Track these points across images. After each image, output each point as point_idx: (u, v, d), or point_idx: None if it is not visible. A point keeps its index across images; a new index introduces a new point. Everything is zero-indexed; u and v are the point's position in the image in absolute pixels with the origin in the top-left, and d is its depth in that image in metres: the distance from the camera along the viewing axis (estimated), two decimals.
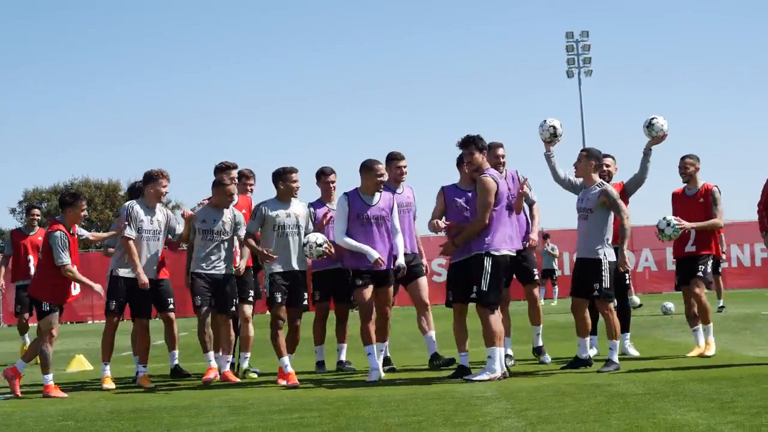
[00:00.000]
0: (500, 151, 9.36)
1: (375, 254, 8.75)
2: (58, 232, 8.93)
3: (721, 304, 17.87)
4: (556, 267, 27.55)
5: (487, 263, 8.37)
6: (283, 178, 9.04)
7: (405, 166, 9.65)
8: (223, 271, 9.22)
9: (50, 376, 8.91)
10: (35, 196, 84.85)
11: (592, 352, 9.42)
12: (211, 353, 9.20)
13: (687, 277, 9.76)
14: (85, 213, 9.30)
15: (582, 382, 7.94)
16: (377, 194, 8.97)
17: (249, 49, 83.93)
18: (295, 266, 8.96)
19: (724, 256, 18.54)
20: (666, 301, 18.79)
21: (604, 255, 8.87)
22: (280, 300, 8.86)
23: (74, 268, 8.94)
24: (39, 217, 13.78)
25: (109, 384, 9.29)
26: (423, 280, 9.78)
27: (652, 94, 76.92)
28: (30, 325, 12.86)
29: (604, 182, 9.14)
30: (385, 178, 9.09)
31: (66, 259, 8.88)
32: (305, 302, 9.08)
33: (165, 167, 9.59)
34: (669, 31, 78.16)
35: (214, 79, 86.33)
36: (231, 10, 78.23)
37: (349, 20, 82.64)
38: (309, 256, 8.94)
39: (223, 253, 9.24)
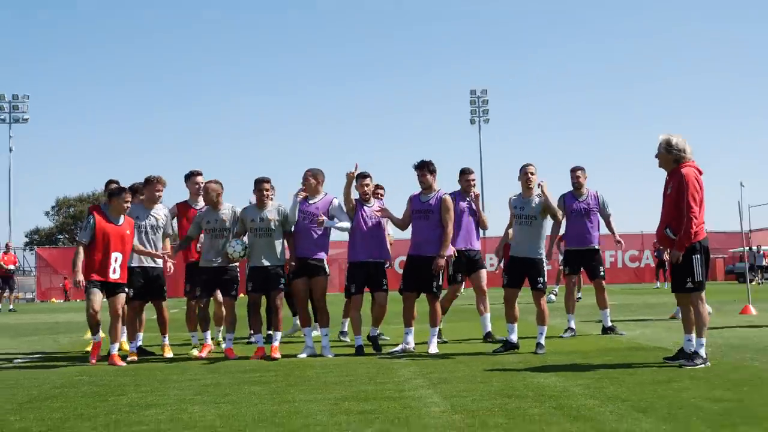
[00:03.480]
0: (472, 177, 11.62)
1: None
2: (92, 214, 10.01)
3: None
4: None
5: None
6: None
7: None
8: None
9: (116, 346, 10.13)
10: (64, 202, 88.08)
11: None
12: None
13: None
14: (128, 205, 10.13)
15: (472, 352, 10.17)
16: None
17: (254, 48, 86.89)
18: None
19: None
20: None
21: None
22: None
23: (80, 250, 9.84)
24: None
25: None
26: (483, 271, 11.97)
27: (541, 137, 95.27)
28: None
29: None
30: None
31: (81, 237, 9.96)
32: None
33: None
34: (554, 89, 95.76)
35: (248, 98, 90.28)
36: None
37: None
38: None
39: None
